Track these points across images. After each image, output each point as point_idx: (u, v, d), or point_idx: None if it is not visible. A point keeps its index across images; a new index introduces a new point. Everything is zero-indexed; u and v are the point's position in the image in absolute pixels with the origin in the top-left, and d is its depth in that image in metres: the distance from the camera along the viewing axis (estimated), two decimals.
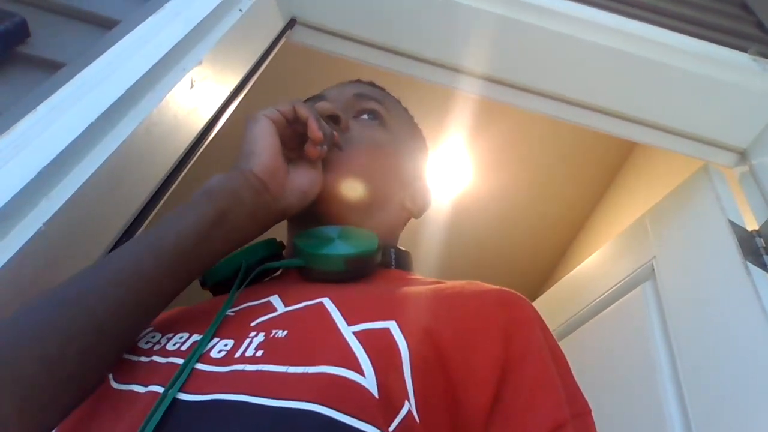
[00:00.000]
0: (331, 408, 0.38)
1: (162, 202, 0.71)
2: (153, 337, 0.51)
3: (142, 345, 0.50)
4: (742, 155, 1.05)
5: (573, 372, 0.53)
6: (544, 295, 1.39)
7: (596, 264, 1.26)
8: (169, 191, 0.73)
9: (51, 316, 0.43)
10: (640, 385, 0.96)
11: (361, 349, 0.43)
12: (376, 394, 0.40)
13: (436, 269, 2.36)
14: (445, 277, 0.61)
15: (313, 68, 1.76)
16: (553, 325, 1.25)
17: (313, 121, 0.58)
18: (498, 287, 0.54)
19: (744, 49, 1.02)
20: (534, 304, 0.55)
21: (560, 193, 2.28)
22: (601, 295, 1.16)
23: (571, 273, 1.33)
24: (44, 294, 0.44)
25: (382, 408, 0.40)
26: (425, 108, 2.01)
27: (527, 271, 2.56)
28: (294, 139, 0.60)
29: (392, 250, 0.66)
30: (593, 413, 0.51)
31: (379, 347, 0.43)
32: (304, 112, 0.59)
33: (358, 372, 0.40)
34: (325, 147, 0.58)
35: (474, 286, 0.54)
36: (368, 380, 0.40)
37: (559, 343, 1.27)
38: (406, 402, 0.41)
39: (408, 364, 0.43)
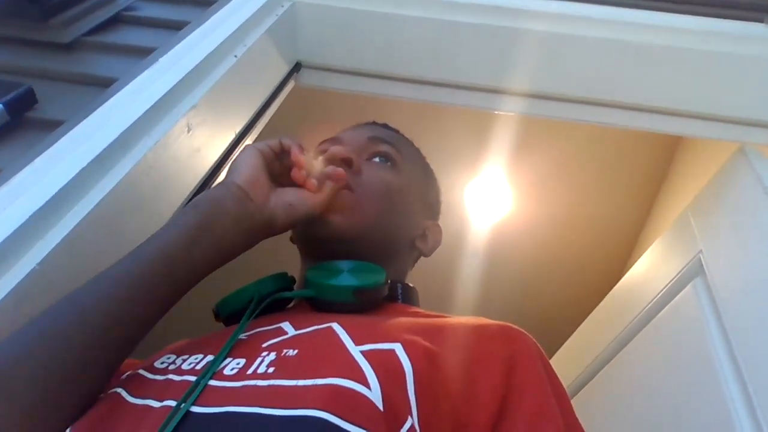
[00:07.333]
0: (338, 416, 0.40)
1: None
2: (168, 358, 0.54)
3: (157, 365, 0.54)
4: None
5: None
6: (593, 312, 1.30)
7: (644, 269, 1.18)
8: None
9: (45, 332, 0.47)
10: (703, 389, 0.87)
11: (368, 365, 0.45)
12: (381, 407, 0.42)
13: (477, 301, 2.22)
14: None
15: (345, 108, 1.78)
16: (604, 341, 1.17)
17: (294, 147, 0.62)
18: (502, 322, 0.56)
19: (759, 20, 0.97)
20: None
21: (608, 210, 2.16)
22: (652, 300, 1.08)
23: (620, 283, 1.25)
24: (39, 315, 0.48)
25: (386, 420, 0.42)
26: (462, 136, 2.01)
27: (578, 300, 2.15)
28: (286, 174, 0.63)
29: (399, 285, 0.69)
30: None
31: (385, 365, 0.46)
32: (287, 141, 0.63)
33: (364, 385, 0.43)
34: (314, 182, 0.62)
35: (477, 320, 0.57)
36: (374, 393, 0.42)
37: (615, 358, 1.18)
38: (410, 417, 0.43)
39: (412, 383, 0.45)
